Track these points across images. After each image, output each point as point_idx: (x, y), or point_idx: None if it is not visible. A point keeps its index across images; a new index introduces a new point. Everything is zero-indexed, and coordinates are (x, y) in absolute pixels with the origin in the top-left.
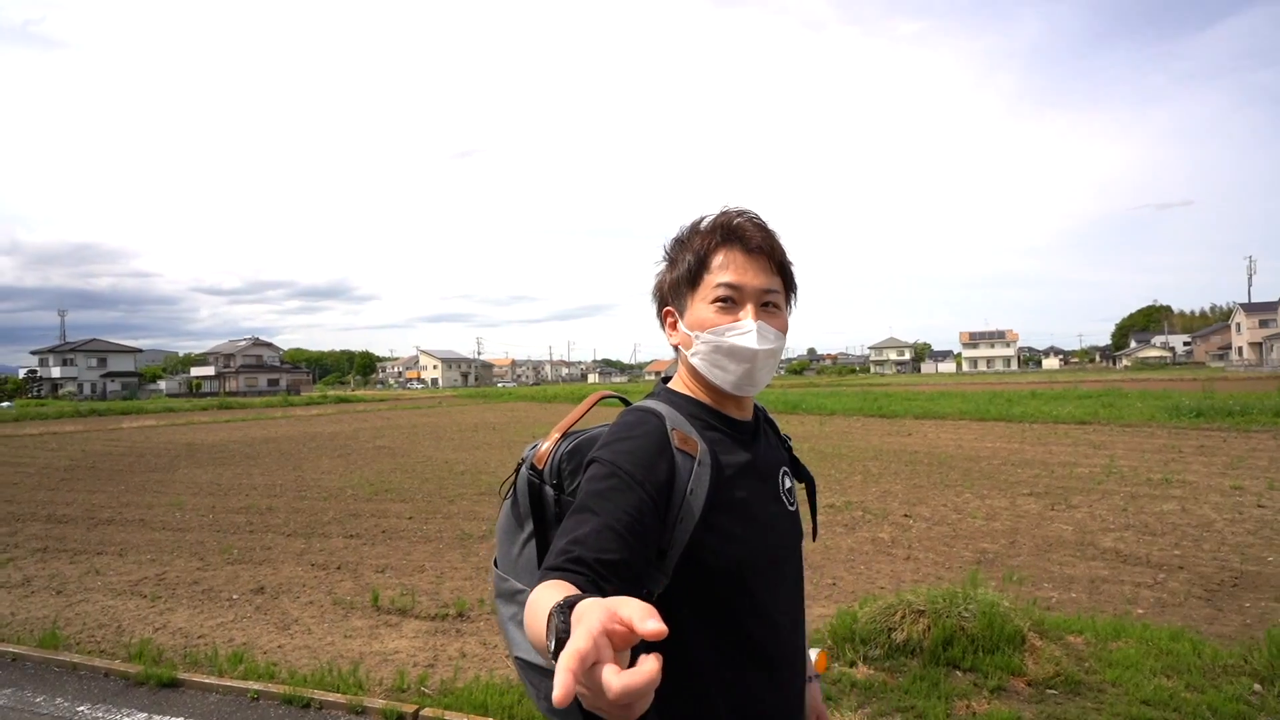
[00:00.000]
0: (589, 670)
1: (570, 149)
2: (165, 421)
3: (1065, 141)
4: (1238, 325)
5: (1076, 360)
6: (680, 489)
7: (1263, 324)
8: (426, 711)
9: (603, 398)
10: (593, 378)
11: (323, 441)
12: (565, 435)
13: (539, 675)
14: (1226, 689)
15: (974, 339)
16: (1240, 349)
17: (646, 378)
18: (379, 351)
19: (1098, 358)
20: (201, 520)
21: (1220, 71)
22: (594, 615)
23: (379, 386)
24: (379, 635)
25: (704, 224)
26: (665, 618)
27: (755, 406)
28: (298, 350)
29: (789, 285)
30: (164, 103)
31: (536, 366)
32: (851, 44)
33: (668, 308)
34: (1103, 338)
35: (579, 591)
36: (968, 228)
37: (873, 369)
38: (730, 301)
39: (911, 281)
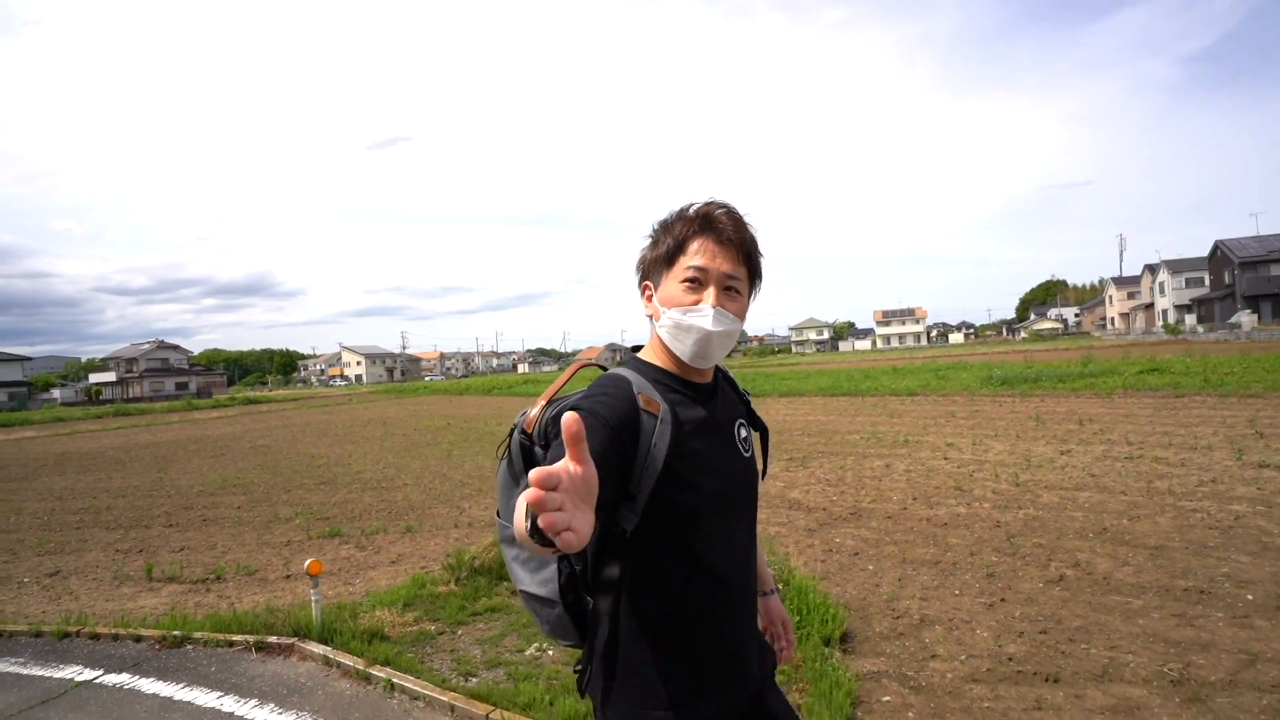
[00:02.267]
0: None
1: (503, 137)
2: (49, 432)
3: (979, 125)
4: (1110, 298)
5: (977, 334)
6: (645, 443)
7: (1130, 296)
8: (101, 629)
9: (583, 365)
10: (523, 368)
11: (205, 444)
12: (550, 402)
13: (540, 604)
14: None
15: (887, 317)
16: (1113, 319)
17: None
18: (305, 349)
19: (1004, 330)
20: (35, 522)
21: (1117, 59)
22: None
23: (300, 385)
24: (136, 598)
25: (687, 212)
26: (639, 549)
27: (716, 369)
28: (214, 351)
29: (754, 274)
30: (61, 85)
31: (466, 359)
32: (778, 30)
33: (646, 282)
34: (1010, 312)
35: None
36: (890, 209)
37: (793, 349)
38: (697, 282)
39: (836, 262)
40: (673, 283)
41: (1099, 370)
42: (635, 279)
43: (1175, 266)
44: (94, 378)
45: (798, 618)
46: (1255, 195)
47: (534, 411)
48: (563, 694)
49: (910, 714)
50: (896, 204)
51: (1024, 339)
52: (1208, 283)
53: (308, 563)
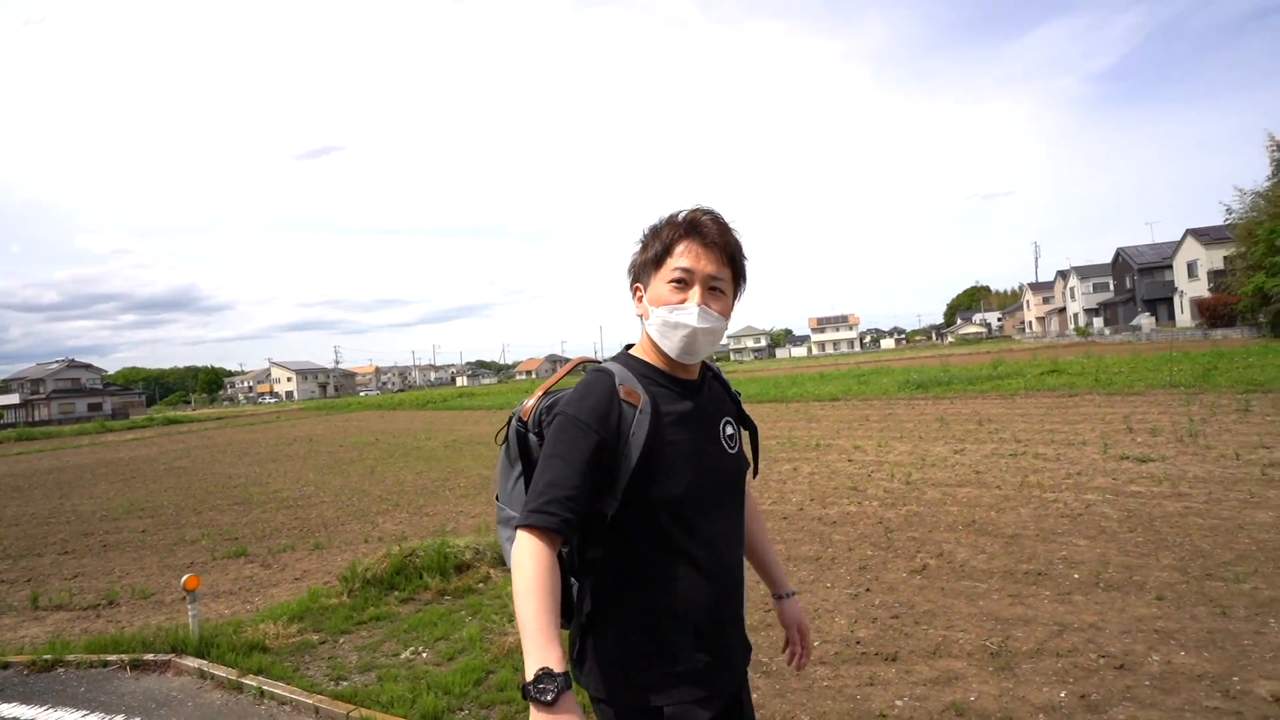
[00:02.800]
0: None
1: (440, 146)
2: None
3: (907, 137)
4: (1027, 302)
5: (908, 339)
6: (625, 431)
7: (1045, 300)
8: None
9: (581, 362)
10: (462, 381)
11: (117, 467)
12: (546, 393)
13: None
14: None
15: (821, 324)
16: (1030, 323)
17: (518, 378)
18: (233, 366)
19: (933, 335)
20: None
21: (1031, 76)
22: None
23: (226, 404)
24: (18, 628)
25: (677, 218)
26: (619, 535)
27: (704, 368)
28: (133, 369)
29: (739, 276)
30: None
31: (403, 373)
32: (712, 42)
33: (637, 284)
34: (939, 317)
35: (557, 653)
36: (826, 218)
37: (732, 357)
38: (683, 282)
39: (773, 271)
40: (660, 283)
41: (1006, 373)
42: (627, 281)
43: (1083, 272)
44: None
45: None
46: (1152, 205)
47: (530, 402)
48: (427, 691)
49: (755, 695)
50: (832, 213)
51: (950, 343)
52: (1112, 288)
53: (184, 579)
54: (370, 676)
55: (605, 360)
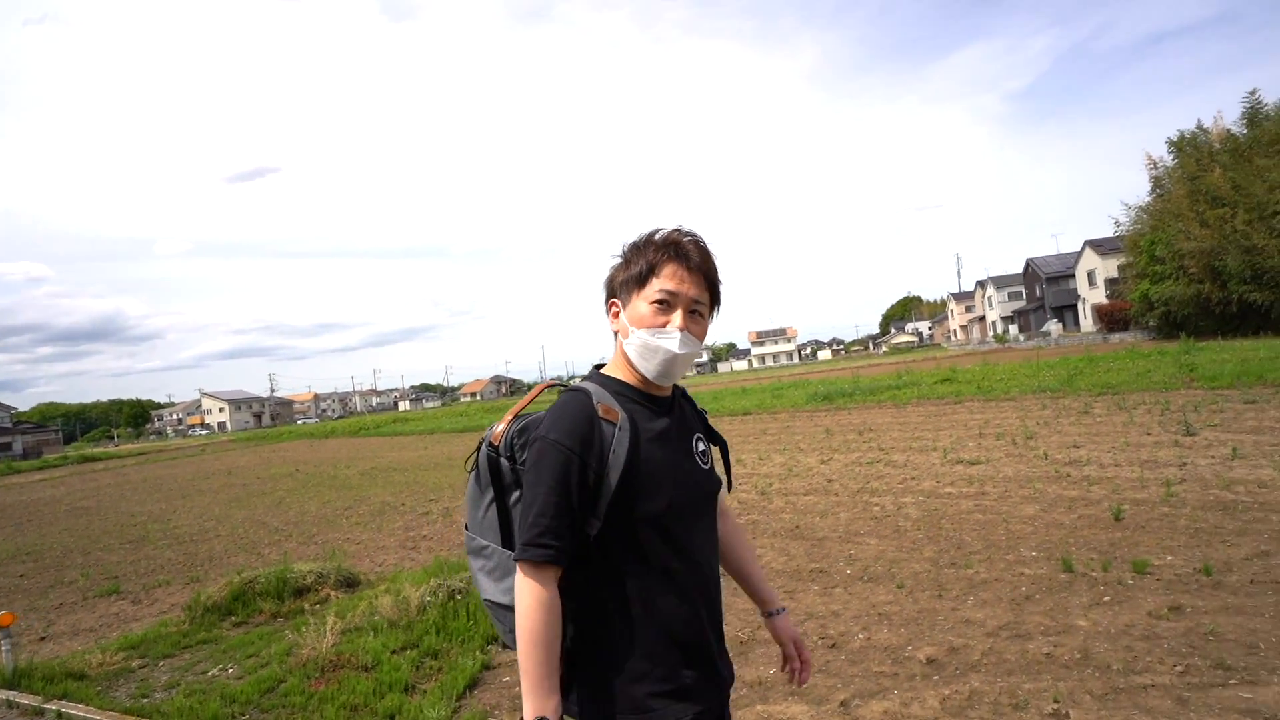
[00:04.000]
0: None
1: (380, 167)
2: None
3: (842, 153)
4: (951, 311)
5: (846, 350)
6: (606, 449)
7: (968, 309)
8: None
9: (549, 385)
10: (404, 405)
11: (12, 510)
12: (516, 417)
13: (504, 611)
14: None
15: (761, 337)
16: (955, 331)
17: (463, 399)
18: (160, 398)
19: (869, 345)
20: None
21: (956, 95)
22: None
23: (154, 438)
24: None
25: (658, 237)
26: (603, 554)
27: (674, 386)
28: (50, 405)
29: (715, 301)
30: None
31: (344, 399)
32: (648, 59)
33: (614, 299)
34: (875, 327)
35: (555, 702)
36: (766, 232)
37: None
38: (666, 304)
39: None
40: (643, 303)
41: (907, 383)
42: (605, 296)
43: (998, 282)
44: None
45: (471, 621)
46: (1067, 216)
47: (500, 427)
48: (214, 701)
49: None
50: (772, 228)
51: (885, 352)
52: (1024, 296)
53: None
54: (171, 693)
55: (576, 380)
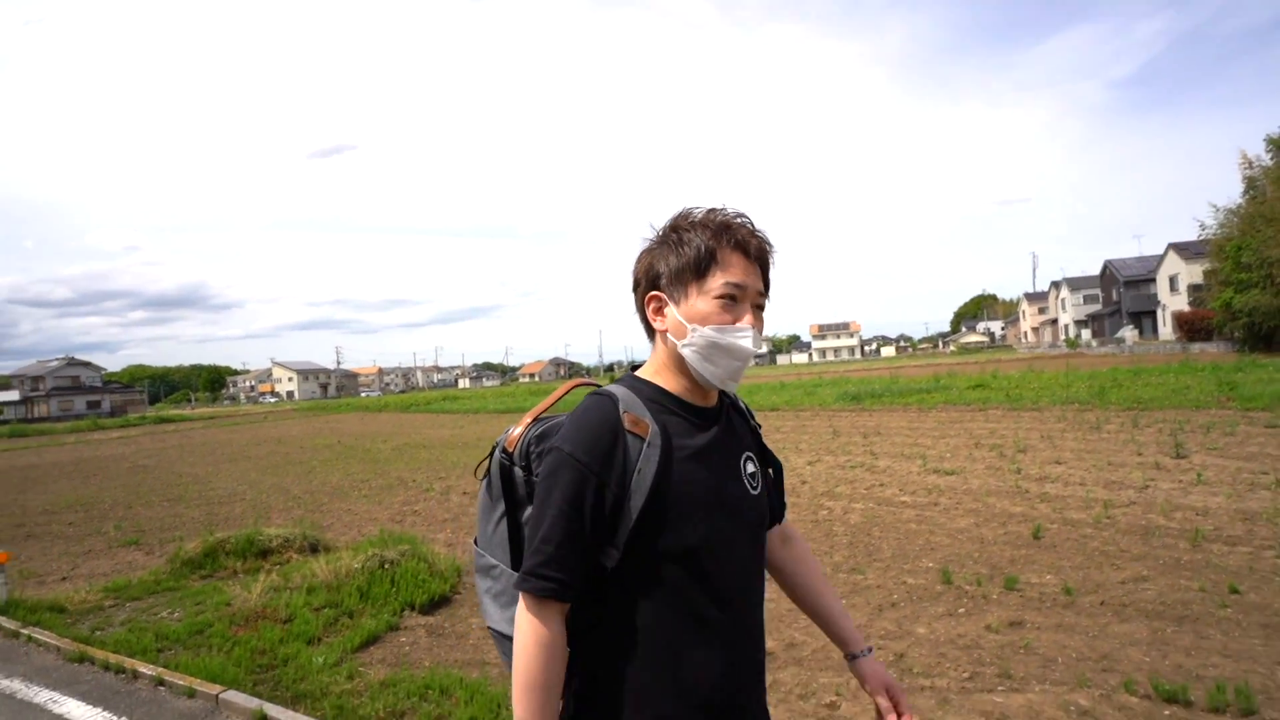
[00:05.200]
0: None
1: (453, 146)
2: None
3: (926, 142)
4: (1023, 312)
5: (911, 348)
6: (630, 469)
7: (1041, 311)
8: None
9: (576, 385)
10: (464, 383)
11: (85, 465)
12: (536, 420)
13: (509, 644)
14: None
15: (823, 331)
16: (1026, 333)
17: (522, 380)
18: (237, 365)
19: (939, 343)
20: None
21: (1051, 82)
22: None
23: (228, 403)
24: None
25: (706, 219)
26: (621, 590)
27: (722, 394)
28: (138, 367)
29: (767, 293)
30: None
31: (407, 374)
32: (729, 44)
33: (655, 292)
34: (947, 325)
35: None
36: (837, 223)
37: None
38: (733, 300)
39: (782, 276)
40: (706, 298)
41: (942, 386)
42: (636, 286)
43: (1074, 284)
44: None
45: (393, 588)
46: (1166, 215)
47: (517, 430)
48: (144, 636)
49: (428, 654)
50: (847, 218)
51: (952, 352)
52: (1101, 299)
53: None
54: (122, 629)
55: (612, 383)
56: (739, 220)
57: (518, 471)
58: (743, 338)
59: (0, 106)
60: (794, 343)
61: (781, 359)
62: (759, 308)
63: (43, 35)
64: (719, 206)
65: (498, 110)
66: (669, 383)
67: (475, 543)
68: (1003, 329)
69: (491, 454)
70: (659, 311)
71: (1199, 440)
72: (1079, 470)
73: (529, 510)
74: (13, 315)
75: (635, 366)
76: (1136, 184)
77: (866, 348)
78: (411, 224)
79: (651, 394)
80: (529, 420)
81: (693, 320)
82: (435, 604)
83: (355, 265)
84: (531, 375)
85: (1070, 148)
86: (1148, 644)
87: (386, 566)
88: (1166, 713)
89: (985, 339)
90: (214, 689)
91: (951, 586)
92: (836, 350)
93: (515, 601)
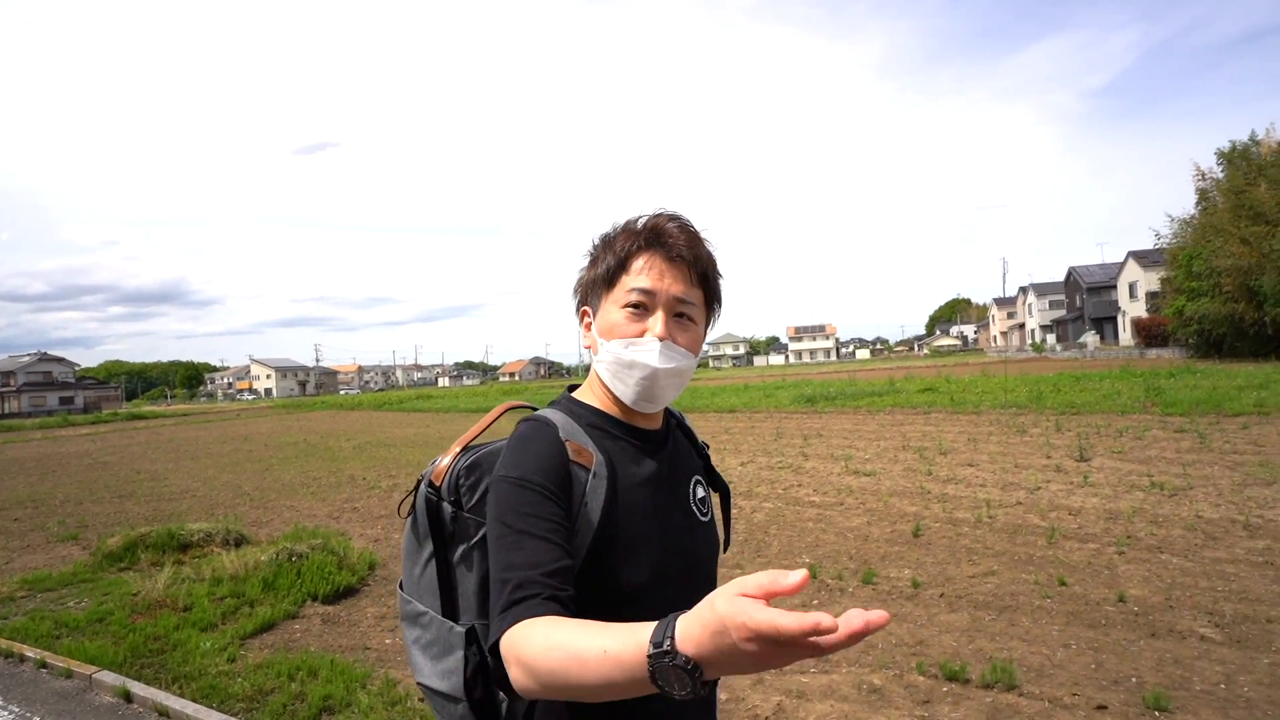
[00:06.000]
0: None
1: (437, 145)
2: None
3: (904, 148)
4: (992, 317)
5: (886, 350)
6: (576, 502)
7: (1010, 315)
8: None
9: (509, 408)
10: (444, 381)
11: (45, 461)
12: (465, 449)
13: (441, 700)
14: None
15: (799, 333)
16: (996, 337)
17: (502, 379)
18: (216, 362)
19: (914, 346)
20: None
21: (1031, 90)
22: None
23: (205, 400)
24: None
25: (629, 223)
26: None
27: (668, 412)
28: (115, 363)
29: (711, 299)
30: None
31: (387, 373)
32: (709, 47)
33: (585, 307)
34: (922, 328)
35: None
36: (815, 226)
37: (710, 364)
38: (642, 307)
39: (758, 278)
40: (613, 308)
41: (895, 389)
42: (573, 302)
43: (1040, 290)
44: None
45: (298, 579)
46: (1113, 224)
47: (444, 461)
48: (43, 623)
49: (317, 640)
50: (823, 221)
51: (925, 355)
52: (1065, 305)
53: None
54: (24, 618)
55: (545, 407)
56: (669, 222)
57: (446, 507)
58: (643, 351)
59: None
60: (772, 344)
61: (759, 360)
62: (681, 315)
63: (23, 27)
64: (660, 210)
65: (482, 109)
66: (606, 404)
67: (401, 587)
68: (975, 333)
69: (416, 488)
70: (588, 328)
71: (1107, 444)
72: (986, 472)
73: (461, 548)
74: None
75: (573, 388)
76: (1105, 192)
77: (843, 350)
78: (394, 222)
79: (591, 418)
80: (457, 449)
81: (603, 333)
82: (340, 595)
83: (337, 262)
84: (512, 374)
85: (1045, 155)
86: (962, 631)
87: (294, 560)
88: (945, 689)
89: (958, 342)
90: (89, 669)
91: (815, 581)
92: (813, 352)
93: (450, 652)
